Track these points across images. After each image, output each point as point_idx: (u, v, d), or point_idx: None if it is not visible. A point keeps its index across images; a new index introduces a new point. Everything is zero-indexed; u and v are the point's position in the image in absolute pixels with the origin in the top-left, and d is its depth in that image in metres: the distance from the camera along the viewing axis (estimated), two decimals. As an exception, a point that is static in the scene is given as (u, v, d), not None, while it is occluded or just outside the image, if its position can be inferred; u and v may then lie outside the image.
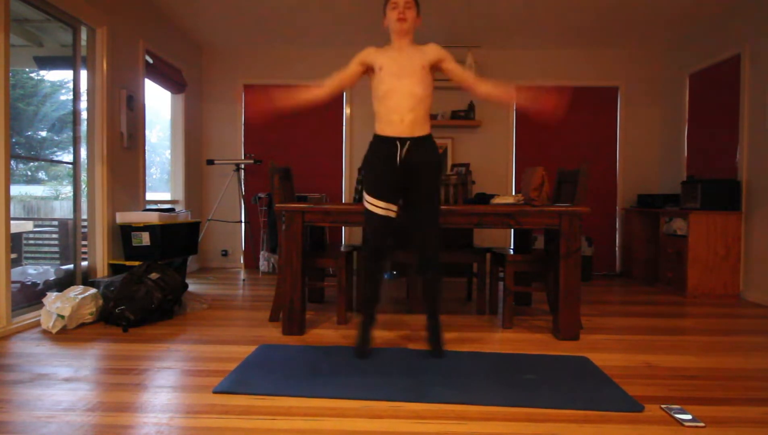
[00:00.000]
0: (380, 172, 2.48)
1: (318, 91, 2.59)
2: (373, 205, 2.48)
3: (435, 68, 2.55)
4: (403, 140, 2.46)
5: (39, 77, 3.87)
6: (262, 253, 5.34)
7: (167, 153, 5.43)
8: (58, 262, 3.80)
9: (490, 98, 2.59)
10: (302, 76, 5.63)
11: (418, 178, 2.47)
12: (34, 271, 3.51)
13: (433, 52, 2.51)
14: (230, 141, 5.69)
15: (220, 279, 4.96)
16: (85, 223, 3.71)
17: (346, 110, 5.63)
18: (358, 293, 3.65)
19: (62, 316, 2.90)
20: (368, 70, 2.57)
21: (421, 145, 2.48)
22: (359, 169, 2.60)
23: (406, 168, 2.47)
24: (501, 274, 4.65)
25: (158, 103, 6.05)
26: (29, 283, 3.41)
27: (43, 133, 3.78)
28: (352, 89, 5.56)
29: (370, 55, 2.53)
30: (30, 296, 3.30)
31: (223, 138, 5.70)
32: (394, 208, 2.50)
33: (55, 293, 3.02)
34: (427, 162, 2.47)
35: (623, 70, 5.53)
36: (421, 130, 2.49)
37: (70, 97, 3.62)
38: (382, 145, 2.49)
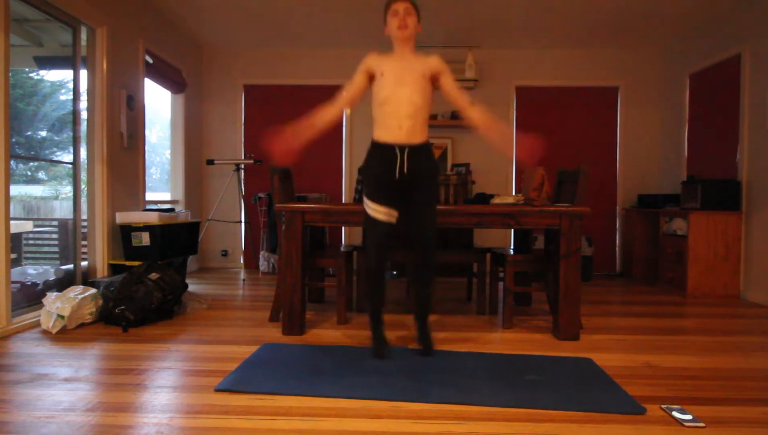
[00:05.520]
0: (381, 178, 2.49)
1: (333, 110, 2.56)
2: (376, 210, 2.49)
3: (433, 80, 2.55)
4: (402, 147, 2.47)
5: (39, 77, 3.86)
6: (262, 253, 5.35)
7: (167, 153, 5.43)
8: (58, 262, 3.80)
9: (477, 127, 2.56)
10: (302, 76, 5.64)
11: (416, 186, 2.50)
12: (34, 271, 3.51)
13: (434, 63, 2.53)
14: (230, 141, 5.69)
15: (220, 279, 4.96)
16: (85, 223, 3.71)
17: (346, 110, 5.63)
18: (358, 293, 3.66)
19: (62, 316, 2.90)
20: (372, 77, 2.58)
21: (420, 153, 2.50)
22: (359, 170, 2.60)
23: (405, 175, 2.48)
24: (501, 274, 4.65)
25: (158, 103, 6.02)
26: (29, 283, 3.41)
27: (43, 133, 3.78)
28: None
29: (372, 61, 2.55)
30: (30, 296, 3.30)
31: (223, 138, 5.70)
32: (395, 213, 2.53)
33: (55, 293, 3.02)
34: (425, 170, 2.50)
35: (623, 70, 5.53)
36: (420, 137, 2.50)
37: (70, 97, 3.62)
38: (381, 152, 2.50)
